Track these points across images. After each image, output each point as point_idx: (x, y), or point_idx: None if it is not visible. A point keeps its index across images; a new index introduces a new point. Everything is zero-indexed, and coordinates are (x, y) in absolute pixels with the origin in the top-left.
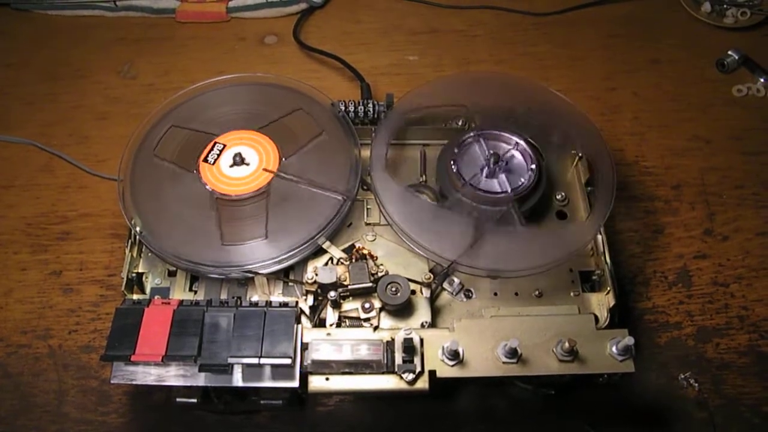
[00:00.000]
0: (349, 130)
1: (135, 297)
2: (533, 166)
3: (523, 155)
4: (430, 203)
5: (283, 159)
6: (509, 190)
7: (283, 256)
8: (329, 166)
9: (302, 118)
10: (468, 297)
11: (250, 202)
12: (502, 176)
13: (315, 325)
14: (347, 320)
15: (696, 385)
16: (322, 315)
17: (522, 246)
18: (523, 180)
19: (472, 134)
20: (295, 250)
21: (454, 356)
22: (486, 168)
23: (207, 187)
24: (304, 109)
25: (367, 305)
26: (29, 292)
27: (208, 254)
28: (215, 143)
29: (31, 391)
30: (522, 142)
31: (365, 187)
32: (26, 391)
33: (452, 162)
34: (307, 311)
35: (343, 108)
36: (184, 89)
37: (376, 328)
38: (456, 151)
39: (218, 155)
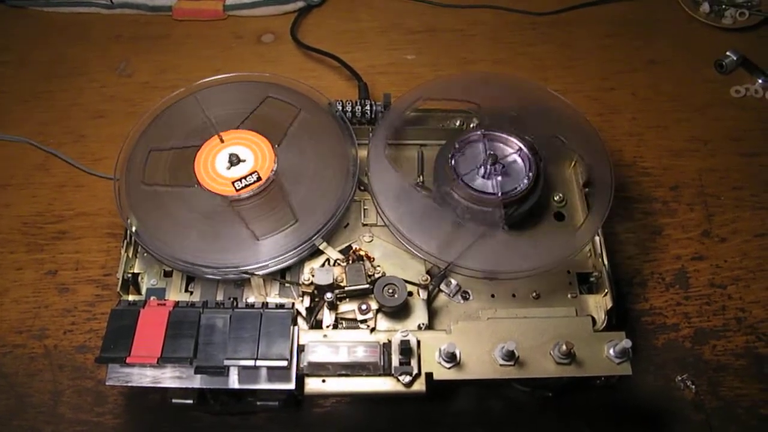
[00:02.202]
0: (346, 130)
1: (131, 298)
2: (530, 174)
3: (523, 160)
4: (425, 202)
5: (276, 145)
6: (499, 193)
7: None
8: (322, 134)
9: (275, 104)
10: (465, 299)
11: (264, 195)
12: (498, 178)
13: (311, 327)
14: (344, 322)
15: (693, 387)
16: (319, 316)
17: (519, 248)
18: (517, 186)
19: (477, 133)
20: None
21: (451, 358)
22: (483, 168)
23: (217, 195)
24: (272, 95)
25: (363, 307)
26: (25, 291)
27: (240, 256)
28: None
29: (27, 391)
30: (525, 148)
31: (362, 188)
32: (21, 392)
33: (450, 157)
34: (304, 313)
35: (340, 108)
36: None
37: (372, 329)
38: (456, 147)
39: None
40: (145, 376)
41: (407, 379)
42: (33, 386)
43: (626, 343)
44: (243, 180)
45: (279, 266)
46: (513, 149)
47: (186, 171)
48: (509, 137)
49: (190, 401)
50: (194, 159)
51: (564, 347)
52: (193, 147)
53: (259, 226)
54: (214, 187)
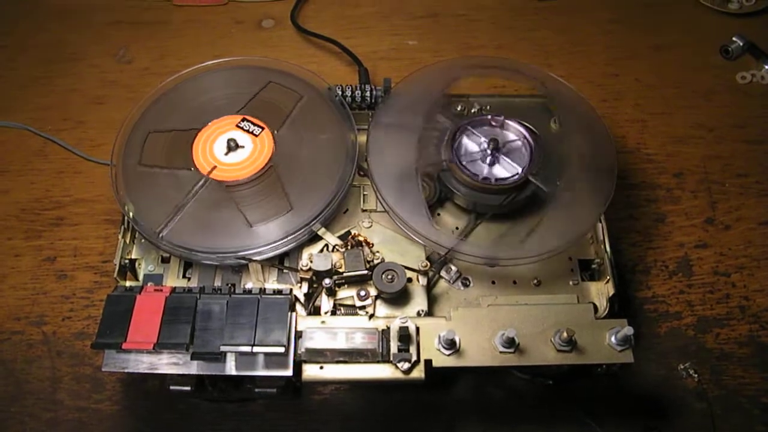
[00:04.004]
0: (346, 115)
1: (128, 284)
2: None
3: (525, 146)
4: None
5: (275, 131)
6: (500, 179)
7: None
8: (323, 121)
9: (277, 90)
10: (465, 285)
11: (260, 181)
12: (499, 164)
13: (309, 313)
14: (342, 308)
15: (695, 375)
16: (317, 303)
17: (520, 234)
18: (519, 171)
19: (476, 119)
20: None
21: (451, 345)
22: (484, 153)
23: (212, 179)
24: (274, 80)
25: (362, 293)
26: (23, 278)
27: (233, 241)
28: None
29: (25, 377)
30: (526, 134)
31: (362, 173)
32: (20, 378)
33: (452, 142)
34: (302, 299)
35: (340, 92)
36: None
37: (371, 316)
38: (458, 132)
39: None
40: (141, 362)
41: (406, 366)
42: (31, 373)
43: (628, 330)
44: (236, 167)
45: (277, 252)
46: (514, 135)
47: (183, 154)
48: (511, 122)
49: (188, 388)
50: (192, 143)
51: (565, 334)
52: (193, 130)
53: (257, 211)
54: (208, 171)
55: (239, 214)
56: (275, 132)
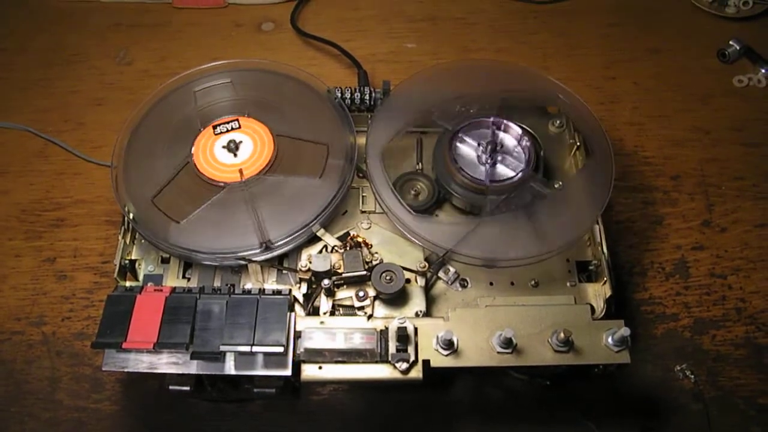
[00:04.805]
0: (345, 117)
1: (128, 284)
2: (529, 161)
3: (523, 148)
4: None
5: (263, 174)
6: (498, 180)
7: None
8: (289, 209)
9: (276, 92)
10: (463, 286)
11: (204, 187)
12: (497, 166)
13: (308, 313)
14: (341, 308)
15: (692, 376)
16: (316, 303)
17: (518, 236)
18: (517, 173)
19: (474, 121)
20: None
21: (449, 346)
22: (482, 155)
23: (191, 149)
24: (273, 83)
25: (361, 294)
26: (23, 278)
27: (170, 234)
28: (235, 119)
29: (25, 378)
30: (524, 136)
31: (361, 175)
32: (19, 378)
33: (450, 144)
34: (301, 299)
35: (339, 95)
36: (179, 74)
37: (370, 316)
38: (456, 134)
39: (226, 131)
40: (141, 362)
41: (404, 366)
42: (31, 373)
43: (625, 331)
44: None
45: (276, 252)
46: (512, 137)
47: (193, 132)
48: (509, 124)
49: (187, 388)
50: (192, 144)
51: (562, 335)
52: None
53: (210, 216)
54: (198, 157)
55: (241, 214)
56: (275, 134)
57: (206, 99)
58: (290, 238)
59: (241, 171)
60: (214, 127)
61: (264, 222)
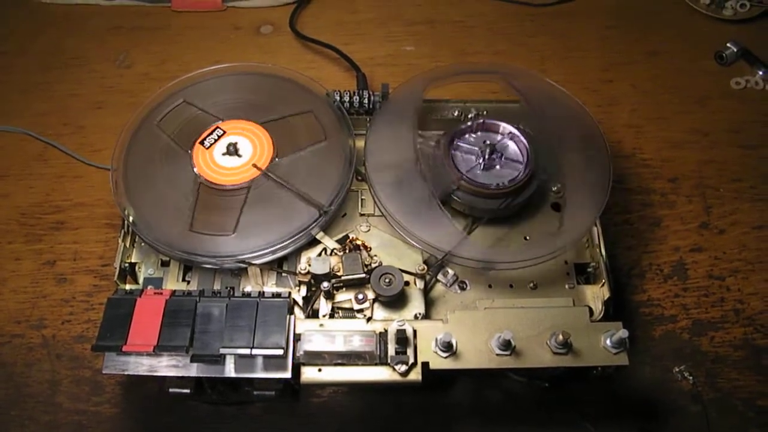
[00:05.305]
0: (344, 120)
1: (128, 287)
2: (527, 164)
3: (521, 151)
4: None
5: (276, 158)
6: (496, 184)
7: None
8: (319, 177)
9: (308, 121)
10: (462, 289)
11: (230, 195)
12: (495, 169)
13: (308, 316)
14: (340, 311)
15: (690, 378)
16: (315, 306)
17: (517, 238)
18: (514, 177)
19: (470, 124)
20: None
21: (448, 348)
22: (480, 159)
23: (194, 169)
24: (314, 113)
25: (360, 296)
26: (23, 281)
27: (176, 239)
28: (216, 128)
29: (25, 381)
30: (522, 139)
31: (360, 178)
32: (19, 381)
33: (449, 148)
34: (300, 302)
35: (338, 98)
36: (179, 77)
37: (369, 319)
38: (455, 137)
39: (215, 141)
40: (141, 365)
41: (403, 368)
42: (31, 376)
43: (623, 333)
44: (223, 171)
45: (276, 256)
46: (510, 140)
47: (192, 136)
48: (507, 127)
49: (187, 391)
50: (192, 146)
51: (560, 337)
52: (217, 119)
53: (256, 214)
54: (199, 163)
55: (217, 219)
56: (274, 137)
57: (205, 102)
58: (336, 196)
59: (255, 165)
60: (201, 143)
61: (307, 194)
